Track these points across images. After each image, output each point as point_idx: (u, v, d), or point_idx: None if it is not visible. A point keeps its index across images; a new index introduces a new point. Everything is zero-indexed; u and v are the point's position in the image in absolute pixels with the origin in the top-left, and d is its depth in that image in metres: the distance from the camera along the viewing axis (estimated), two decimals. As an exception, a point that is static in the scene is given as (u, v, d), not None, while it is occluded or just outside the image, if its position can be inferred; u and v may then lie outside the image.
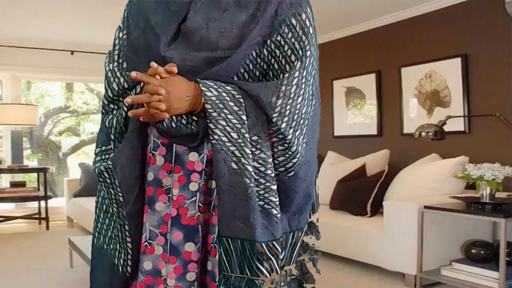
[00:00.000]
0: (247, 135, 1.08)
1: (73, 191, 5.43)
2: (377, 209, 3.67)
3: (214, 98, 1.07)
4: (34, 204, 5.54)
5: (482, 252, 2.81)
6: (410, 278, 2.98)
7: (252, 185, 1.07)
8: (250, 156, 1.08)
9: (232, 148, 1.07)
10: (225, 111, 1.08)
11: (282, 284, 1.17)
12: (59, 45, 5.52)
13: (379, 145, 4.45)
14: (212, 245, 1.16)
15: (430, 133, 3.20)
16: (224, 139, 1.07)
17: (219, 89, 1.08)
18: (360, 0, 4.06)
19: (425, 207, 2.88)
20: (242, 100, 1.09)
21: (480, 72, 3.73)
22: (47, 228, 5.18)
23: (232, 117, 1.08)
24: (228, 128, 1.07)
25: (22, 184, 5.24)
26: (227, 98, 1.08)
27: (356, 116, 4.91)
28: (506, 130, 3.46)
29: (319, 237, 1.34)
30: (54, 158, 8.23)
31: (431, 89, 4.10)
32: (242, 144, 1.07)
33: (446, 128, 3.26)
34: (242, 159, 1.07)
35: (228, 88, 1.10)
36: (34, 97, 8.10)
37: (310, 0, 1.26)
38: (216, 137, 1.07)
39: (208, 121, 1.08)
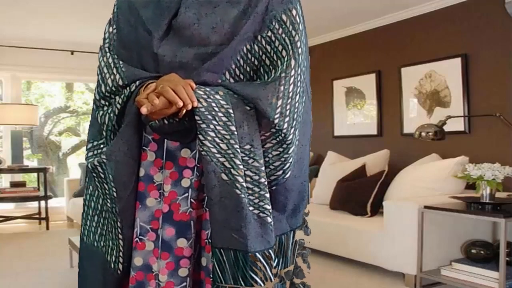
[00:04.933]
0: (236, 146, 1.08)
1: (73, 191, 5.43)
2: (377, 209, 3.68)
3: (203, 110, 1.07)
4: (34, 204, 5.54)
5: (482, 252, 2.81)
6: (410, 278, 2.98)
7: (243, 195, 1.07)
8: (241, 166, 1.07)
9: (222, 159, 1.07)
10: (214, 122, 1.07)
11: None
12: (59, 45, 5.52)
13: (379, 145, 4.45)
14: (206, 240, 1.16)
15: (430, 133, 3.20)
16: (214, 150, 1.07)
17: (208, 99, 1.08)
18: (360, 0, 4.06)
19: (425, 207, 2.88)
20: (231, 111, 1.09)
21: (480, 72, 3.73)
22: (47, 228, 5.18)
23: (221, 128, 1.08)
24: (217, 139, 1.07)
25: (22, 184, 5.24)
26: (216, 109, 1.08)
27: (356, 116, 4.91)
28: (506, 130, 3.46)
29: (308, 233, 1.35)
30: (54, 158, 8.23)
31: (431, 89, 4.10)
32: (232, 155, 1.07)
33: (446, 128, 3.26)
34: (232, 170, 1.07)
35: (218, 97, 1.09)
36: (34, 97, 8.11)
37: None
38: (205, 148, 1.07)
39: (197, 132, 1.08)
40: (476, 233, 3.09)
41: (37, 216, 5.35)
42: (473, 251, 2.84)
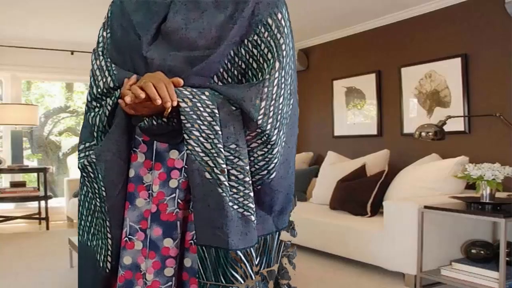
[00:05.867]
0: (220, 146, 1.10)
1: (73, 191, 5.43)
2: (377, 209, 3.68)
3: (188, 109, 1.09)
4: (34, 204, 5.54)
5: (482, 252, 2.81)
6: (410, 278, 2.98)
7: (224, 194, 1.09)
8: (224, 166, 1.10)
9: (206, 158, 1.10)
10: (198, 121, 1.10)
11: None
12: (59, 45, 5.52)
13: (379, 145, 4.45)
14: (191, 241, 1.19)
15: (430, 133, 3.20)
16: (198, 149, 1.10)
17: (193, 99, 1.10)
18: (360, 0, 4.06)
19: (425, 207, 2.88)
20: (216, 111, 1.11)
21: (480, 72, 3.73)
22: (47, 228, 5.18)
23: (206, 128, 1.10)
24: (201, 138, 1.10)
25: (22, 184, 5.24)
26: (201, 109, 1.10)
27: (356, 116, 4.91)
28: (506, 130, 3.46)
29: (295, 235, 1.37)
30: (54, 158, 8.23)
31: (431, 89, 4.10)
32: (215, 155, 1.09)
33: (446, 128, 3.26)
34: (215, 169, 1.09)
35: (203, 97, 1.12)
36: (34, 97, 8.10)
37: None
38: (190, 147, 1.10)
39: (182, 131, 1.10)
40: (476, 233, 3.09)
41: (37, 216, 5.35)
42: (473, 251, 2.84)
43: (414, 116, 4.27)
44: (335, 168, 4.38)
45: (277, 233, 1.29)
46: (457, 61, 3.86)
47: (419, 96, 4.22)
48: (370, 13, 4.43)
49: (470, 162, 3.22)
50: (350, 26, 4.87)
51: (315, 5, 4.14)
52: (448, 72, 3.94)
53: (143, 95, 1.04)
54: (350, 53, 4.97)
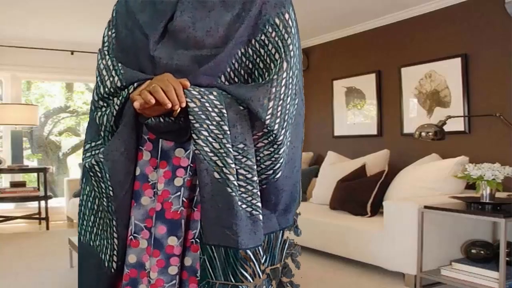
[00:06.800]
0: (228, 145, 1.10)
1: (73, 191, 5.43)
2: (377, 209, 3.68)
3: (196, 109, 1.09)
4: (34, 204, 5.54)
5: (482, 252, 2.81)
6: (410, 278, 2.98)
7: (234, 193, 1.09)
8: (232, 165, 1.10)
9: (215, 158, 1.10)
10: (207, 121, 1.10)
11: (264, 287, 1.20)
12: (59, 45, 5.52)
13: (379, 145, 4.45)
14: (193, 240, 1.19)
15: (430, 133, 3.20)
16: (207, 149, 1.10)
17: (202, 99, 1.11)
18: (360, 0, 4.06)
19: (425, 207, 2.88)
20: (224, 111, 1.11)
21: (480, 72, 3.73)
22: (47, 228, 5.18)
23: (214, 128, 1.10)
24: (210, 138, 1.10)
25: (22, 184, 5.24)
26: (209, 109, 1.10)
27: (356, 116, 4.91)
28: (506, 130, 3.46)
29: (298, 233, 1.38)
30: (54, 158, 8.23)
31: (431, 89, 4.10)
32: (224, 154, 1.10)
33: (446, 128, 3.26)
34: (224, 169, 1.09)
35: (211, 97, 1.12)
36: (34, 97, 8.10)
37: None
38: (198, 147, 1.10)
39: (191, 131, 1.11)
40: (476, 233, 3.09)
41: (37, 216, 5.35)
42: (473, 251, 2.84)
43: (414, 116, 4.27)
44: (335, 168, 4.38)
45: (281, 231, 1.29)
46: (457, 61, 3.86)
47: (419, 96, 4.22)
48: (370, 13, 4.43)
49: (470, 162, 3.22)
50: (350, 26, 4.87)
51: (315, 5, 4.15)
52: (448, 72, 3.94)
53: (153, 101, 1.04)
54: (350, 53, 4.97)
